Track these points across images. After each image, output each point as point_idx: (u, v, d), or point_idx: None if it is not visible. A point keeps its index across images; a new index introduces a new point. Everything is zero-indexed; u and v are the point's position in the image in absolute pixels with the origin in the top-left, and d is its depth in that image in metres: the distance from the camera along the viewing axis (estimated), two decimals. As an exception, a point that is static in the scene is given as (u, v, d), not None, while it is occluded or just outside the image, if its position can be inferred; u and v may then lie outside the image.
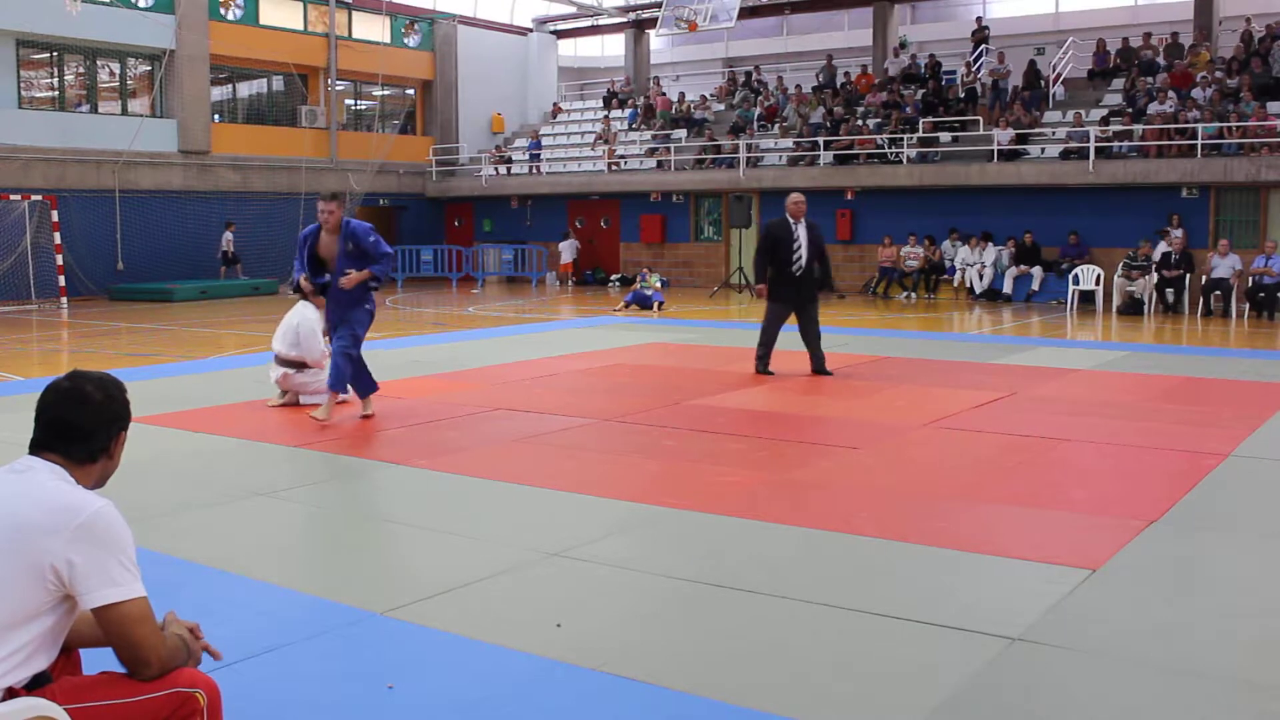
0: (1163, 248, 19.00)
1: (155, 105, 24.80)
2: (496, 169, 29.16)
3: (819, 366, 10.95)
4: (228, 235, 24.78)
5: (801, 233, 10.77)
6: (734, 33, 32.29)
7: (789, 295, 10.83)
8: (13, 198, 21.06)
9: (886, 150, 23.22)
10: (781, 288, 10.85)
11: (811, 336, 10.93)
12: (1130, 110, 21.43)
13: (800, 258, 10.75)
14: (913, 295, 21.85)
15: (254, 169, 26.01)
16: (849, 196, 23.59)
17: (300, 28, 27.30)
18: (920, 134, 23.01)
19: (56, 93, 23.85)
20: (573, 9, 32.27)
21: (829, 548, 5.20)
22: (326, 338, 9.00)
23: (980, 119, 23.06)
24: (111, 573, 2.41)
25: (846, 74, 27.84)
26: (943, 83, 25.26)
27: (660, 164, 26.70)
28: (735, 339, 14.63)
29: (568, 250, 26.98)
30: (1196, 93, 20.86)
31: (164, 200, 24.34)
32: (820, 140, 24.11)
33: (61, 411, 2.58)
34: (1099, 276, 19.55)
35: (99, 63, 24.34)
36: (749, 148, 24.99)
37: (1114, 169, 20.19)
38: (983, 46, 25.58)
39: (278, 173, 26.42)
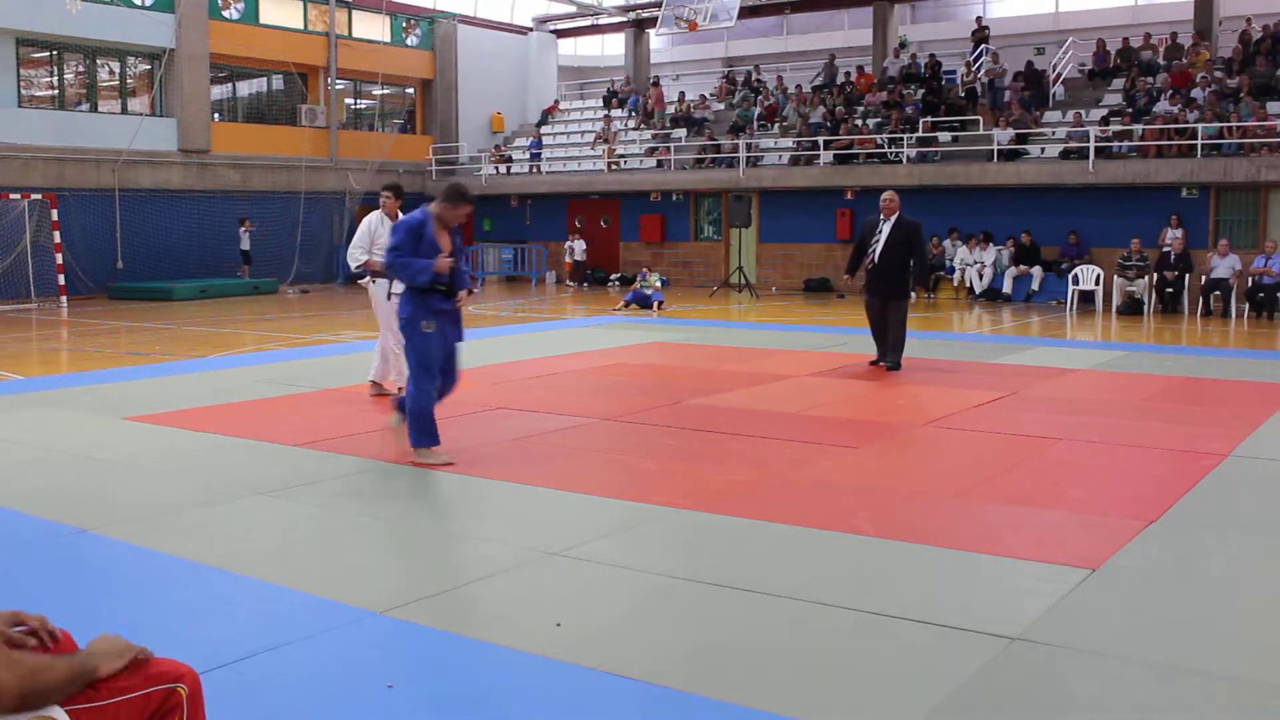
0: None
1: (155, 104, 24.79)
2: (496, 168, 29.16)
3: (890, 362, 11.30)
4: (243, 232, 24.70)
5: (885, 229, 11.22)
6: (734, 32, 32.28)
7: (870, 288, 11.45)
8: (12, 197, 21.05)
9: (886, 150, 23.22)
10: (866, 281, 11.52)
11: (890, 332, 11.32)
12: (1130, 110, 21.43)
13: (875, 253, 11.23)
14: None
15: (254, 168, 26.01)
16: (849, 196, 23.59)
17: (300, 27, 27.29)
18: (920, 134, 23.01)
19: (56, 91, 23.84)
20: (573, 8, 32.26)
21: (829, 548, 5.20)
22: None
23: (980, 119, 23.06)
24: None
25: (846, 74, 27.84)
26: (943, 82, 25.26)
27: (660, 163, 26.70)
28: (735, 339, 14.63)
29: (570, 249, 26.95)
30: (1196, 93, 20.86)
31: (164, 199, 24.33)
32: (820, 140, 24.11)
33: None
34: (1099, 276, 19.55)
35: (99, 61, 24.33)
36: (749, 147, 24.98)
37: (1114, 169, 20.19)
38: (983, 46, 25.58)
39: (278, 172, 26.42)
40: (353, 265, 9.96)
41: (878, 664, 3.84)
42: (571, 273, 26.75)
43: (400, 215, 9.76)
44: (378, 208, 9.79)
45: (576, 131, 30.52)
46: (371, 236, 9.74)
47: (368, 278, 9.79)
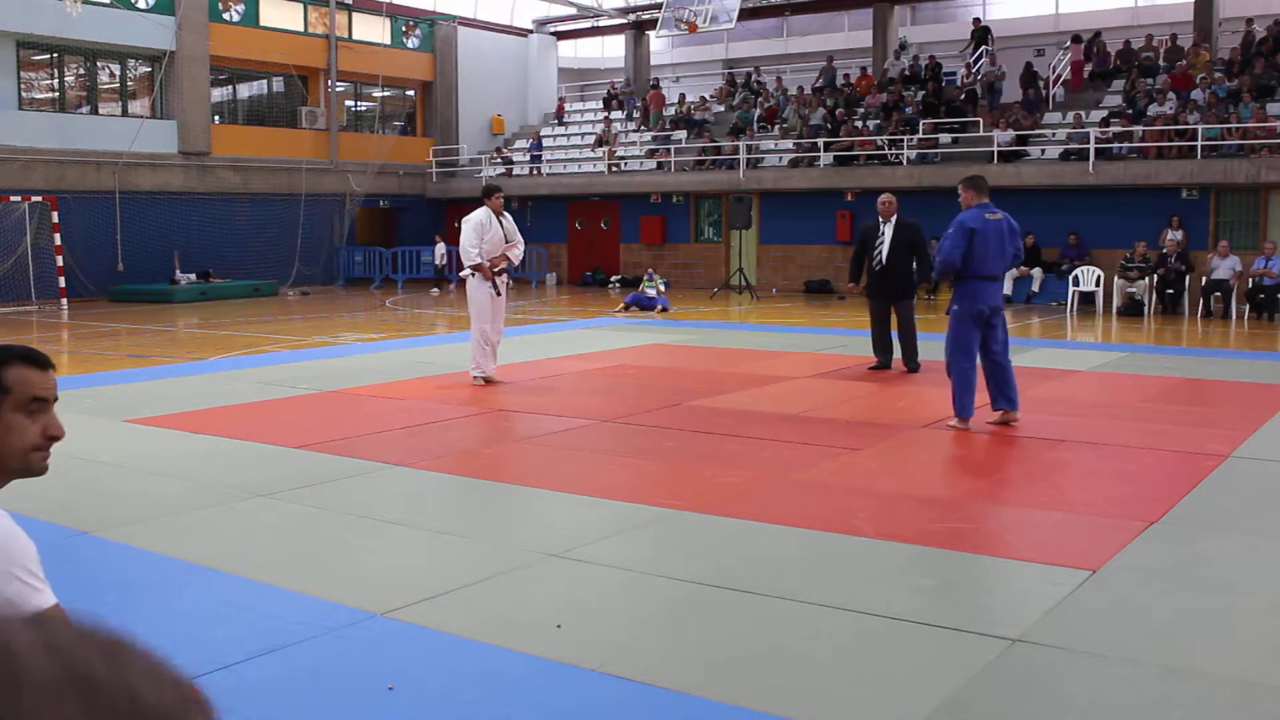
0: None
1: (155, 106, 24.79)
2: (506, 169, 29.11)
3: (908, 364, 11.31)
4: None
5: (888, 231, 11.28)
6: (734, 34, 32.28)
7: (875, 291, 11.44)
8: (13, 199, 21.05)
9: (886, 152, 23.21)
10: (870, 284, 11.53)
11: (902, 334, 11.35)
12: (1130, 111, 21.42)
13: (880, 254, 11.25)
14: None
15: (254, 170, 26.01)
16: (849, 198, 23.58)
17: (300, 29, 27.30)
18: (920, 135, 23.00)
19: (57, 94, 23.85)
20: (573, 10, 32.27)
21: (829, 548, 5.20)
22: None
23: (980, 120, 23.05)
24: (10, 589, 2.06)
25: (847, 75, 27.83)
26: (942, 84, 25.25)
27: (660, 165, 26.70)
28: (735, 340, 14.63)
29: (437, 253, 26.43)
30: (1196, 94, 20.86)
31: (164, 201, 24.34)
32: (820, 141, 24.11)
33: None
34: (1099, 278, 19.54)
35: (99, 64, 24.34)
36: (749, 149, 24.98)
37: (1114, 170, 20.18)
38: (983, 48, 25.57)
39: (278, 174, 26.42)
40: (466, 262, 10.10)
41: (878, 664, 3.84)
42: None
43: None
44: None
45: (577, 134, 30.52)
46: (480, 234, 9.95)
47: (469, 272, 10.11)
